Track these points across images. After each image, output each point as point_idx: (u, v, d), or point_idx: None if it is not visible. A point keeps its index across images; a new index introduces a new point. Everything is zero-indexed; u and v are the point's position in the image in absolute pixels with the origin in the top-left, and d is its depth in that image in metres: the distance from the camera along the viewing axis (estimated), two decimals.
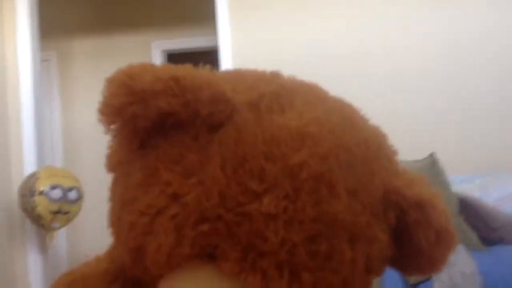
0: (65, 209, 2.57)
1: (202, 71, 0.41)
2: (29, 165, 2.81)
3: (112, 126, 0.41)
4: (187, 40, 4.22)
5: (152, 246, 0.40)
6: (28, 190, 2.47)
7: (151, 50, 4.29)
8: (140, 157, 0.42)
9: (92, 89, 4.18)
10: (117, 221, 0.44)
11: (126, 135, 0.42)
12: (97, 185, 3.54)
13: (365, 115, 0.47)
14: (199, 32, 4.10)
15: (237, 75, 0.45)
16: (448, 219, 0.43)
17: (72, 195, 2.59)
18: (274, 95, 0.42)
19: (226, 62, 2.82)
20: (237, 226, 0.38)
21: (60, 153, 4.17)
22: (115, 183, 0.46)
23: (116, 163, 0.46)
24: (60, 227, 2.67)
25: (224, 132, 0.39)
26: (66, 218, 2.61)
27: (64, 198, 2.54)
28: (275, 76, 0.46)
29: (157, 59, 4.18)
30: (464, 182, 2.21)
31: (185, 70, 0.39)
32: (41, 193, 2.46)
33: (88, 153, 4.06)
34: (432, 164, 2.05)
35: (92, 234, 3.59)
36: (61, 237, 3.70)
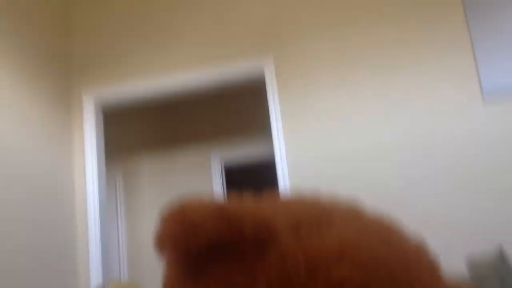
0: None
1: (246, 200, 0.45)
2: (96, 278, 2.88)
3: (168, 256, 0.45)
4: (245, 150, 4.35)
5: None
6: None
7: (210, 161, 4.43)
8: (193, 284, 0.45)
9: (155, 203, 4.34)
10: None
11: (180, 263, 0.45)
12: None
13: (405, 230, 0.48)
14: (256, 142, 4.23)
15: (278, 202, 0.48)
16: None
17: None
18: (313, 219, 0.45)
19: (283, 175, 2.95)
20: None
21: (125, 265, 4.24)
22: None
23: None
24: None
25: (268, 256, 0.42)
26: None
27: None
28: (315, 199, 0.49)
29: (217, 172, 4.31)
30: None
31: (229, 202, 0.43)
32: None
33: (151, 264, 4.11)
34: (499, 255, 1.98)
35: None
36: None
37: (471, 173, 2.64)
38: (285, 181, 2.92)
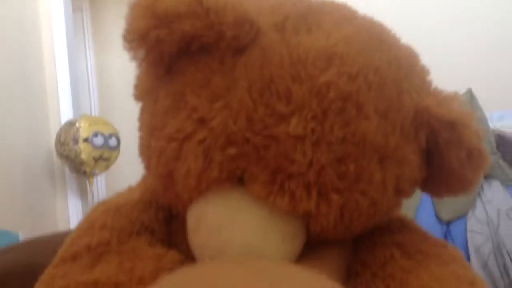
0: (106, 155, 2.64)
1: None
2: (66, 114, 2.88)
3: (138, 53, 0.40)
4: None
5: (181, 171, 0.39)
6: (71, 138, 2.53)
7: None
8: (167, 83, 0.41)
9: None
10: (146, 149, 0.44)
11: (152, 61, 0.40)
12: (132, 132, 3.60)
13: (396, 35, 0.44)
14: None
15: None
16: (480, 138, 0.41)
17: (112, 142, 2.66)
18: (300, 16, 0.40)
19: None
20: (264, 149, 0.37)
21: (95, 100, 4.24)
22: (143, 111, 0.45)
23: (143, 92, 0.45)
24: (99, 173, 2.75)
25: (250, 55, 0.38)
26: (106, 164, 2.69)
27: (105, 145, 2.61)
28: None
29: None
30: (502, 119, 2.17)
31: None
32: (85, 140, 2.53)
33: (122, 100, 4.11)
34: (469, 99, 2.02)
35: (129, 180, 3.67)
36: (100, 183, 3.81)
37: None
38: None
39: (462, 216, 1.85)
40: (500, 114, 2.18)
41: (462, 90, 2.00)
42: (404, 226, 0.47)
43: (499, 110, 2.25)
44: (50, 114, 2.91)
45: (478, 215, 1.84)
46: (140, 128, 0.45)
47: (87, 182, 2.83)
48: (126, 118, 3.74)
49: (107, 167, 2.74)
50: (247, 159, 0.38)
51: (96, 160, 2.60)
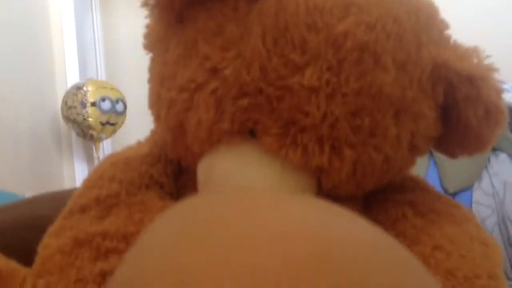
0: (113, 120, 2.64)
1: None
2: (73, 78, 2.86)
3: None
4: None
5: (192, 122, 0.39)
6: (79, 101, 2.52)
7: None
8: (178, 31, 0.40)
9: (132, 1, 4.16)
10: (157, 100, 0.43)
11: (163, 7, 0.40)
12: (138, 97, 3.60)
13: None
14: None
15: None
16: (499, 94, 0.40)
17: (119, 107, 2.65)
18: None
19: None
20: (278, 100, 0.36)
21: (102, 65, 4.21)
22: (154, 61, 0.45)
23: (154, 41, 0.44)
24: (106, 138, 2.76)
25: (264, 1, 0.37)
26: (113, 129, 2.69)
27: (112, 110, 2.60)
28: None
29: None
30: (511, 91, 2.14)
31: None
32: (92, 104, 2.52)
33: (128, 65, 4.09)
34: None
35: None
36: (106, 148, 3.82)
37: None
38: None
39: (468, 188, 1.84)
40: (510, 86, 2.15)
41: None
42: (417, 185, 0.47)
43: (509, 82, 2.22)
44: (57, 77, 2.90)
45: (484, 187, 1.84)
46: (150, 79, 0.45)
47: (93, 146, 2.84)
48: (133, 83, 3.74)
49: (113, 132, 2.74)
50: (259, 110, 0.37)
51: (103, 124, 2.60)
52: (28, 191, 2.37)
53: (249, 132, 0.39)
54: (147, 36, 0.45)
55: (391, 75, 0.37)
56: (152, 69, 0.45)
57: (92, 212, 0.44)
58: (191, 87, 0.39)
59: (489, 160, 1.91)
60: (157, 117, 0.44)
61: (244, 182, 0.38)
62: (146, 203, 0.44)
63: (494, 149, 1.93)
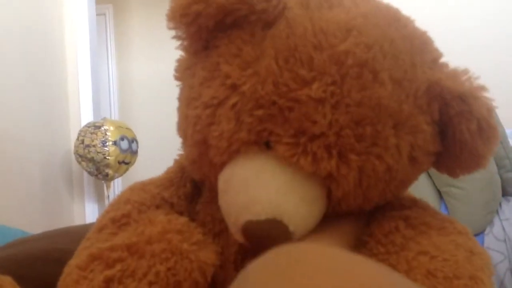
0: (128, 159, 2.67)
1: None
2: (87, 117, 2.93)
3: (180, 31, 0.45)
4: None
5: (215, 134, 0.44)
6: (99, 140, 2.55)
7: None
8: (203, 57, 0.46)
9: (147, 41, 4.24)
10: (184, 121, 0.48)
11: (192, 36, 0.45)
12: (148, 138, 3.63)
13: (412, 18, 0.48)
14: None
15: None
16: (490, 111, 0.44)
17: (134, 146, 2.70)
18: None
19: None
20: (289, 111, 0.41)
21: (116, 104, 4.29)
22: (182, 89, 0.50)
23: (183, 70, 0.49)
24: (118, 177, 2.78)
25: (277, 28, 0.42)
26: (126, 168, 2.72)
27: (129, 149, 2.64)
28: None
29: None
30: None
31: None
32: (114, 143, 2.55)
33: (140, 105, 4.15)
34: None
35: None
36: (117, 187, 3.85)
37: None
38: None
39: (479, 233, 1.83)
40: None
41: None
42: (415, 204, 0.50)
43: None
44: (71, 117, 2.95)
45: (495, 233, 1.82)
46: (179, 105, 0.50)
47: (104, 185, 2.86)
48: (144, 124, 3.79)
49: (125, 171, 2.76)
50: (273, 120, 0.42)
51: (119, 163, 2.63)
52: (38, 230, 2.37)
53: (264, 144, 0.43)
54: (177, 68, 0.50)
55: (388, 90, 0.41)
56: (180, 96, 0.50)
57: (107, 230, 0.49)
58: (214, 103, 0.43)
59: (500, 205, 1.90)
60: (184, 138, 0.49)
61: (258, 187, 0.42)
62: (151, 218, 0.49)
63: (505, 195, 1.92)
